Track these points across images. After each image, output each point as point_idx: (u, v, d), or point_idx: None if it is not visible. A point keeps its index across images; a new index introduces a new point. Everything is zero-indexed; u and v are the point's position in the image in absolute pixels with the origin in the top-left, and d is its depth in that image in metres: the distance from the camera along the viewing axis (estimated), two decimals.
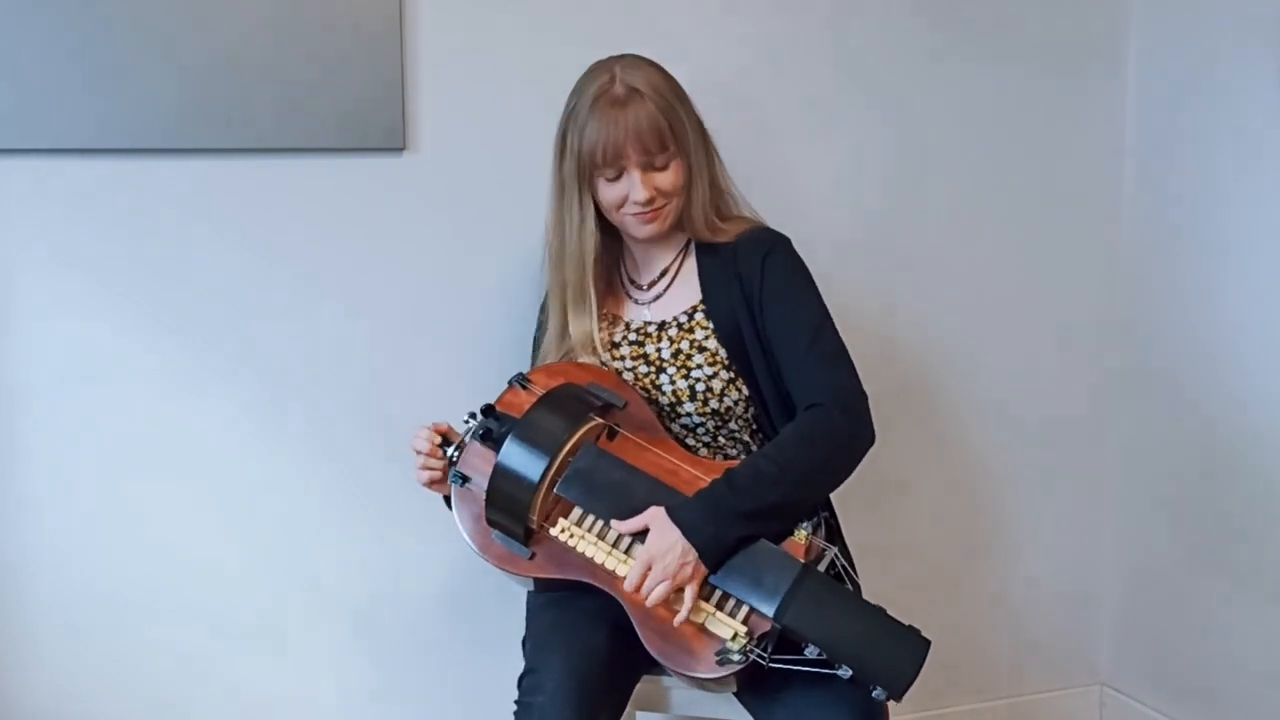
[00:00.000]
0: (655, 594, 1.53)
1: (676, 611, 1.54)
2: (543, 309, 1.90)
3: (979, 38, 2.31)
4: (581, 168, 1.71)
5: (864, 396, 1.69)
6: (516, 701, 1.60)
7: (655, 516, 1.57)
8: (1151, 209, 2.39)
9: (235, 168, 1.94)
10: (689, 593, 1.54)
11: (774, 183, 2.09)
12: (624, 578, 1.57)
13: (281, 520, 2.03)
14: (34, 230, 1.87)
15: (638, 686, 1.70)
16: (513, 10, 2.04)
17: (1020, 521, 2.47)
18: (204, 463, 1.99)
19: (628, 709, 1.67)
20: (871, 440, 1.68)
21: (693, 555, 1.54)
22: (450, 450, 1.70)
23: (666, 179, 1.72)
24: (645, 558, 1.55)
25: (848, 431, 1.65)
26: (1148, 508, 2.43)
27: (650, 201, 1.71)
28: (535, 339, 1.91)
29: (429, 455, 1.71)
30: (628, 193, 1.71)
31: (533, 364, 1.88)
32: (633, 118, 1.67)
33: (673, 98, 1.71)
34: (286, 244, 1.98)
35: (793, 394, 1.71)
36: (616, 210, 1.74)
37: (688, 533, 1.54)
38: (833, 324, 1.74)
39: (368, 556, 2.07)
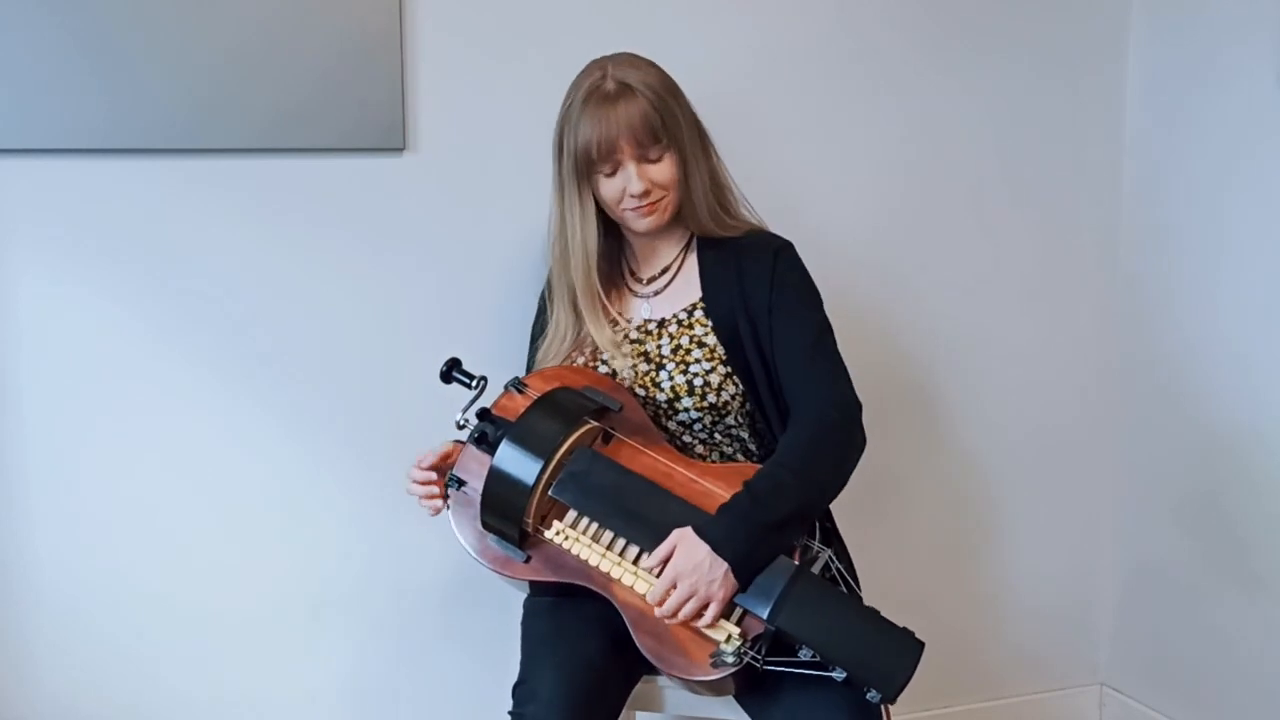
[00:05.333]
0: (684, 611, 1.52)
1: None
2: (541, 310, 1.90)
3: (978, 37, 2.30)
4: (579, 166, 1.72)
5: (860, 406, 1.71)
6: (510, 712, 1.60)
7: (683, 536, 1.55)
8: (1151, 209, 2.38)
9: (236, 168, 1.94)
10: (713, 610, 1.52)
11: (775, 182, 2.09)
12: (619, 580, 1.57)
13: (281, 521, 2.03)
14: (35, 230, 1.88)
15: (635, 686, 1.70)
16: (512, 10, 2.04)
17: (1020, 521, 2.47)
18: (205, 463, 1.99)
19: (626, 711, 1.67)
20: (864, 447, 1.71)
21: (723, 569, 1.52)
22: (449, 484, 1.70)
23: (661, 171, 1.73)
24: (672, 574, 1.53)
25: (849, 436, 1.68)
26: (1147, 507, 2.43)
27: (646, 194, 1.72)
28: (534, 335, 1.91)
29: (426, 489, 1.72)
30: (625, 187, 1.72)
31: (530, 360, 1.88)
32: (624, 112, 1.69)
33: (664, 92, 1.72)
34: (286, 244, 1.98)
35: (791, 404, 1.72)
36: (617, 206, 1.75)
37: (719, 548, 1.52)
38: (832, 335, 1.76)
39: (367, 559, 2.08)
